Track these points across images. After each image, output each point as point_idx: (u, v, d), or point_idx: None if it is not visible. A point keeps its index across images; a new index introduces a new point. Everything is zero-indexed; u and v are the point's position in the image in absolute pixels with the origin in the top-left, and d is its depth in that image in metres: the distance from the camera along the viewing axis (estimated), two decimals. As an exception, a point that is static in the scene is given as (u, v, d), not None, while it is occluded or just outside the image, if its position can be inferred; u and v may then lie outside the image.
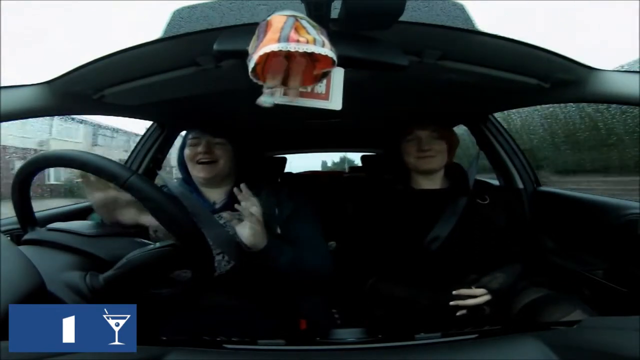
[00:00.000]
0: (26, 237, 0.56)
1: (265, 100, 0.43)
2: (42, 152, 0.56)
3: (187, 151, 0.88)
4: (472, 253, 0.87)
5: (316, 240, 0.86)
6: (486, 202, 0.94)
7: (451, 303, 0.82)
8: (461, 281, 0.85)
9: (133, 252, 0.49)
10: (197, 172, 0.86)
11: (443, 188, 0.97)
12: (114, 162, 0.51)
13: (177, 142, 1.37)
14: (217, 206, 0.87)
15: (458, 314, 0.82)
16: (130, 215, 0.68)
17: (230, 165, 0.88)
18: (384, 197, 0.98)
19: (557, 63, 0.64)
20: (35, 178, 0.57)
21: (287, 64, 0.42)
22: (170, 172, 1.91)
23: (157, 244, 0.50)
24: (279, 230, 0.84)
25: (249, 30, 0.44)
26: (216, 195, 0.89)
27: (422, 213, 0.91)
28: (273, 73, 0.42)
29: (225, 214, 0.77)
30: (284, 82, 0.43)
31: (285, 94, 0.44)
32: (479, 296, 0.83)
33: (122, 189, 0.48)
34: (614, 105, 2.17)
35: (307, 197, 0.93)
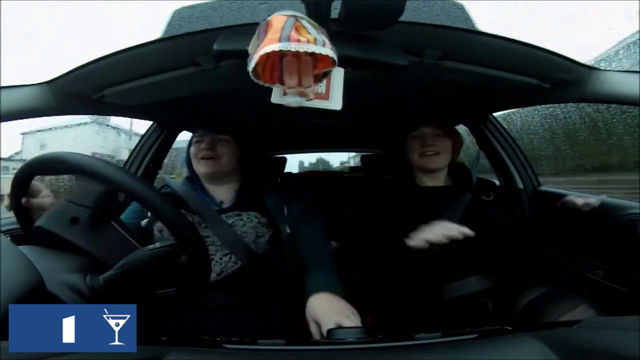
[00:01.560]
0: None
1: (292, 100, 0.44)
2: (41, 154, 0.56)
3: (192, 149, 0.90)
4: (475, 251, 0.87)
5: (322, 242, 0.86)
6: (490, 199, 0.94)
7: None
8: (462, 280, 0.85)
9: (133, 253, 0.49)
10: (200, 168, 0.88)
11: (447, 185, 0.97)
12: (112, 164, 0.51)
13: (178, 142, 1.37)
14: (225, 205, 0.87)
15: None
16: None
17: (233, 162, 0.88)
18: (387, 194, 0.98)
19: (557, 63, 0.64)
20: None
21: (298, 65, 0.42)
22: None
23: (157, 244, 0.49)
24: (288, 230, 0.85)
25: (249, 30, 0.44)
26: (223, 194, 0.89)
27: (426, 210, 0.90)
28: (290, 74, 0.42)
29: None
30: (283, 82, 0.43)
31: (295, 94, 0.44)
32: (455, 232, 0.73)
33: (119, 192, 0.49)
34: (614, 105, 2.17)
35: (312, 198, 0.93)
